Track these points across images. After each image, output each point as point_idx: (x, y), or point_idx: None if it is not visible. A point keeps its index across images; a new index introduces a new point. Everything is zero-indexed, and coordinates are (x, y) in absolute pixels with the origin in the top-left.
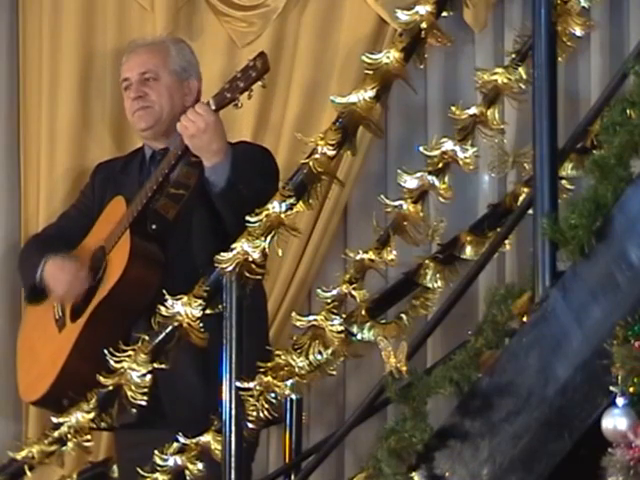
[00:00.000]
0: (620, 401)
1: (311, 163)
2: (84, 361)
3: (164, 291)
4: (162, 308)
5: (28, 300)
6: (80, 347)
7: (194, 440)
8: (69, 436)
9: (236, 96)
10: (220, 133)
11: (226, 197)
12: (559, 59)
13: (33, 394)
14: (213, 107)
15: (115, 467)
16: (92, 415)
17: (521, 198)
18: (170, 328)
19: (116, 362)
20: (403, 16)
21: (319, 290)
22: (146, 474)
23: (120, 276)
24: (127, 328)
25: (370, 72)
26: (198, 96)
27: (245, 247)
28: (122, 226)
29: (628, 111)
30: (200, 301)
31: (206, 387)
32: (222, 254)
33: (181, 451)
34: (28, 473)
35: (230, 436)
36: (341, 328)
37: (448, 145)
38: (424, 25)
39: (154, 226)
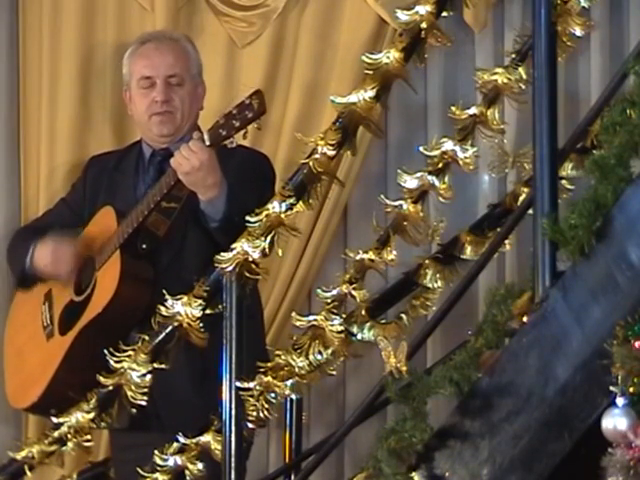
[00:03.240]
0: (620, 401)
1: (311, 163)
2: (73, 374)
3: (164, 291)
4: (162, 308)
5: (18, 286)
6: (69, 361)
7: (194, 440)
8: (69, 436)
9: (231, 134)
10: (214, 168)
11: (223, 229)
12: (559, 59)
13: (22, 402)
14: (207, 143)
15: None
16: (92, 415)
17: (521, 198)
18: (170, 328)
19: (116, 362)
20: (403, 16)
21: (319, 290)
22: (146, 474)
23: (110, 298)
24: (116, 343)
25: (370, 72)
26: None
27: (245, 247)
28: (112, 244)
29: (628, 111)
30: (200, 301)
31: (201, 390)
32: (222, 254)
33: (181, 451)
34: (28, 473)
35: (230, 436)
36: (341, 328)
37: (448, 145)
38: (424, 25)
39: (144, 245)
